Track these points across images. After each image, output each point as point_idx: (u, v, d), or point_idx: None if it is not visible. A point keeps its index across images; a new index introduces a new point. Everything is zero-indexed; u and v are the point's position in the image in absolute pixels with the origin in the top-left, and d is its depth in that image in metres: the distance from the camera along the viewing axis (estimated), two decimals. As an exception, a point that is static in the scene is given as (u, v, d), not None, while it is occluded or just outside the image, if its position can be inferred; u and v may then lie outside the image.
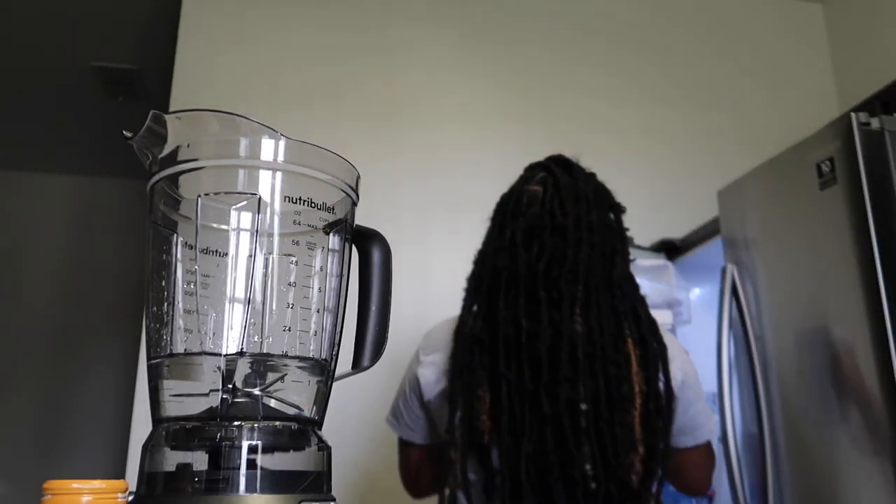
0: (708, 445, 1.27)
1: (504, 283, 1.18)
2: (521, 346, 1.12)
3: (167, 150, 0.65)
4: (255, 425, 0.61)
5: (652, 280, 2.02)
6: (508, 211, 1.23)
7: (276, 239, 0.65)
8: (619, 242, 1.21)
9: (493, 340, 1.15)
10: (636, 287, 1.22)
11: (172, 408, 0.64)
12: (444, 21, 2.51)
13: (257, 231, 0.64)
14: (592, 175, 1.29)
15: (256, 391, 0.63)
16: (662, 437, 1.11)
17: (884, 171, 1.37)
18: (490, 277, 1.21)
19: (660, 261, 2.08)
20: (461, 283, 1.79)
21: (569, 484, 1.06)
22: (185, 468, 0.60)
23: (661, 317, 1.78)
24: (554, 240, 1.17)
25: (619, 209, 1.26)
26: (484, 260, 1.25)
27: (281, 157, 0.65)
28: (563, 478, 1.06)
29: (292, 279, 0.66)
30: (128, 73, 3.04)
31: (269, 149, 0.65)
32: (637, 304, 1.18)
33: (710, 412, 1.27)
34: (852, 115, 1.40)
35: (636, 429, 1.09)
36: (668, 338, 1.20)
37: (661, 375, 1.13)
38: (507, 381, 1.12)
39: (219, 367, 0.62)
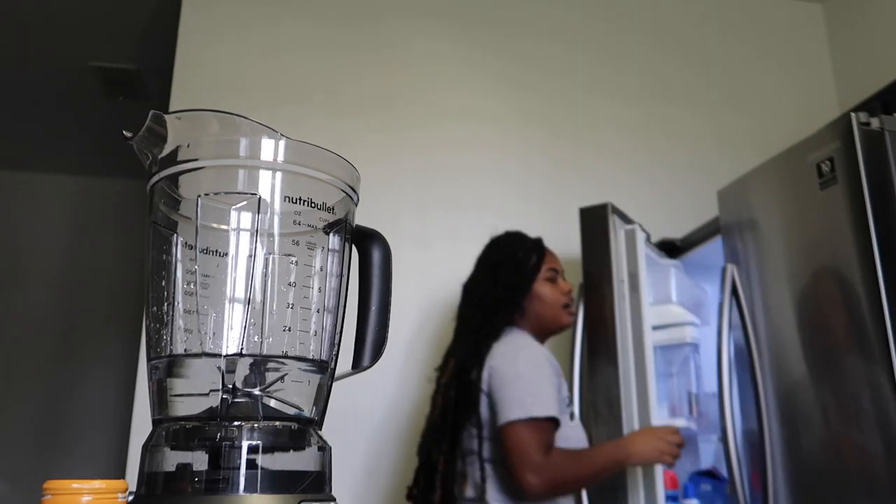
0: (506, 429, 1.49)
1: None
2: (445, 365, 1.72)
3: (167, 150, 0.65)
4: (255, 425, 0.61)
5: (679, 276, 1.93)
6: None
7: (276, 239, 0.65)
8: (488, 289, 1.69)
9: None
10: (486, 319, 1.66)
11: (172, 408, 0.64)
12: (444, 14, 2.51)
13: (257, 231, 0.64)
14: (498, 239, 1.76)
15: (256, 391, 0.62)
16: (473, 424, 1.57)
17: (884, 171, 1.37)
18: None
19: (671, 260, 2.06)
20: (461, 283, 1.80)
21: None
22: (185, 468, 0.60)
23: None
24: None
25: (496, 265, 1.70)
26: None
27: (281, 157, 0.65)
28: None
29: (292, 279, 0.66)
30: (128, 73, 3.04)
31: (269, 149, 0.65)
32: (479, 332, 1.64)
33: (516, 401, 1.50)
34: (852, 115, 1.40)
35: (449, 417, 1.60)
36: (501, 348, 1.60)
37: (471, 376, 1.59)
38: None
39: (219, 368, 0.62)
